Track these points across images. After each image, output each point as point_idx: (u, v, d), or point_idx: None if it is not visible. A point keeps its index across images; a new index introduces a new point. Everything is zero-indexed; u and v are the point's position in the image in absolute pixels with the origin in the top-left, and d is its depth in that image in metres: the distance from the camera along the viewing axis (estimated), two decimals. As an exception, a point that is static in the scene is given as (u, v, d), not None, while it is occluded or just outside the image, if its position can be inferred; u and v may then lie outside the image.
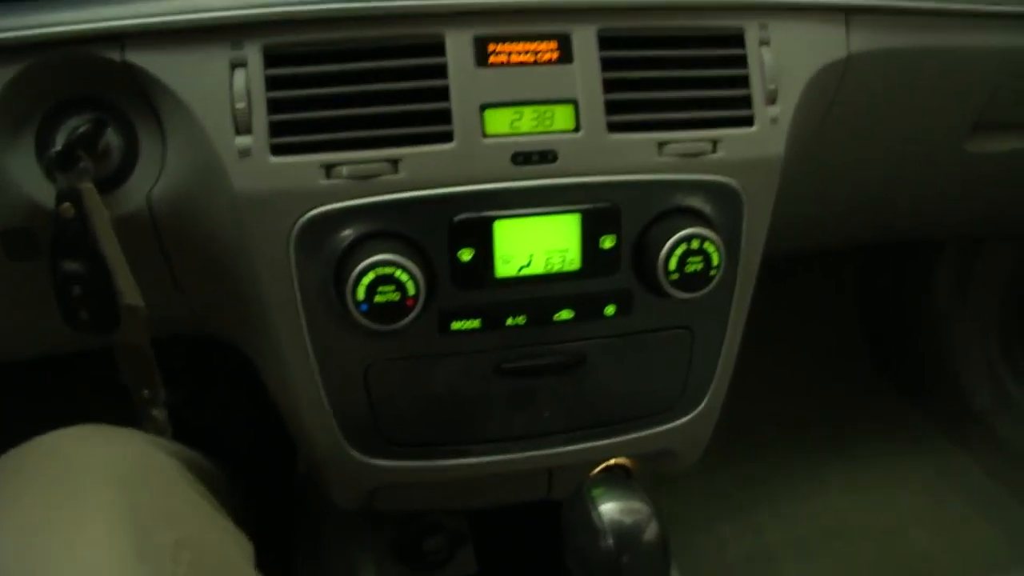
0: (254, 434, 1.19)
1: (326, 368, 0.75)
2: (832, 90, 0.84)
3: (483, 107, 0.71)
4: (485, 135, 0.71)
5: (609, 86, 0.73)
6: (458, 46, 0.70)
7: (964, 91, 0.94)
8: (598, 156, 0.73)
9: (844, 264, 1.71)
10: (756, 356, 1.09)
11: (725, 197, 0.78)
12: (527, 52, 0.72)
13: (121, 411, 0.73)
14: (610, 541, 0.65)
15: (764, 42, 0.78)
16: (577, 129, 0.73)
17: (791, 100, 0.79)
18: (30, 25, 0.65)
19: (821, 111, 0.85)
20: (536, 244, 0.74)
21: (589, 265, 0.75)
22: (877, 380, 1.70)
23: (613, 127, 0.73)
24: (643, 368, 0.83)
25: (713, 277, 0.75)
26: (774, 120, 0.78)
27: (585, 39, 0.73)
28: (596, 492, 0.68)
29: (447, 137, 0.70)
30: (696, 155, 0.76)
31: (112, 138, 0.69)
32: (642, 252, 0.76)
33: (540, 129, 0.72)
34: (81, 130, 0.66)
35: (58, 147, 0.67)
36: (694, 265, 0.74)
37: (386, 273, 0.68)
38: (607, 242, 0.75)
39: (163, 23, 0.66)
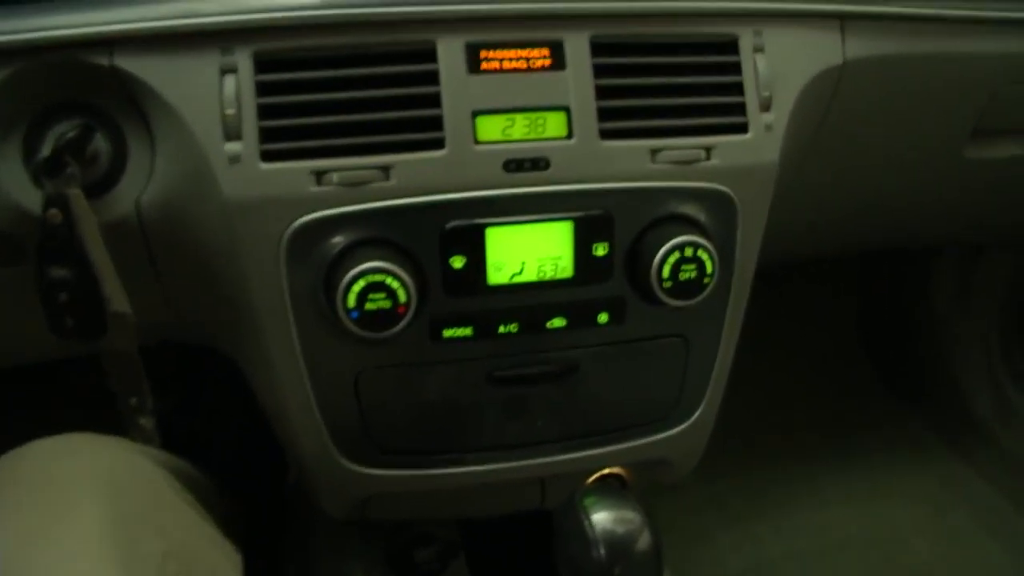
0: (243, 443, 1.19)
1: (316, 376, 0.76)
2: (827, 97, 0.85)
3: (475, 114, 0.72)
4: (477, 142, 0.72)
5: (602, 93, 0.74)
6: (450, 53, 0.71)
7: (962, 97, 0.95)
8: (591, 163, 0.74)
9: (842, 271, 1.71)
10: (754, 364, 1.09)
11: (719, 204, 0.78)
12: (519, 59, 0.73)
13: (108, 419, 0.74)
14: (602, 551, 0.65)
15: (758, 49, 0.78)
16: (569, 136, 0.73)
17: (786, 107, 0.80)
18: (17, 29, 0.65)
19: (816, 118, 0.86)
20: (528, 252, 0.74)
21: (582, 273, 0.76)
22: (877, 389, 1.70)
23: (606, 134, 0.74)
24: (637, 376, 0.83)
25: (707, 285, 0.76)
26: (768, 127, 0.79)
27: (578, 46, 0.73)
28: (588, 501, 0.68)
29: (439, 144, 0.71)
30: (690, 162, 0.76)
31: (100, 143, 0.70)
32: (635, 260, 0.76)
33: (532, 136, 0.73)
34: (69, 136, 0.67)
35: (45, 153, 0.67)
36: (688, 273, 0.75)
37: (377, 280, 0.69)
38: (600, 250, 0.76)
39: (152, 28, 0.67)
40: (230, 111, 0.68)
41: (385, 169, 0.70)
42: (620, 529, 0.66)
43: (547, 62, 0.73)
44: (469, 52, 0.72)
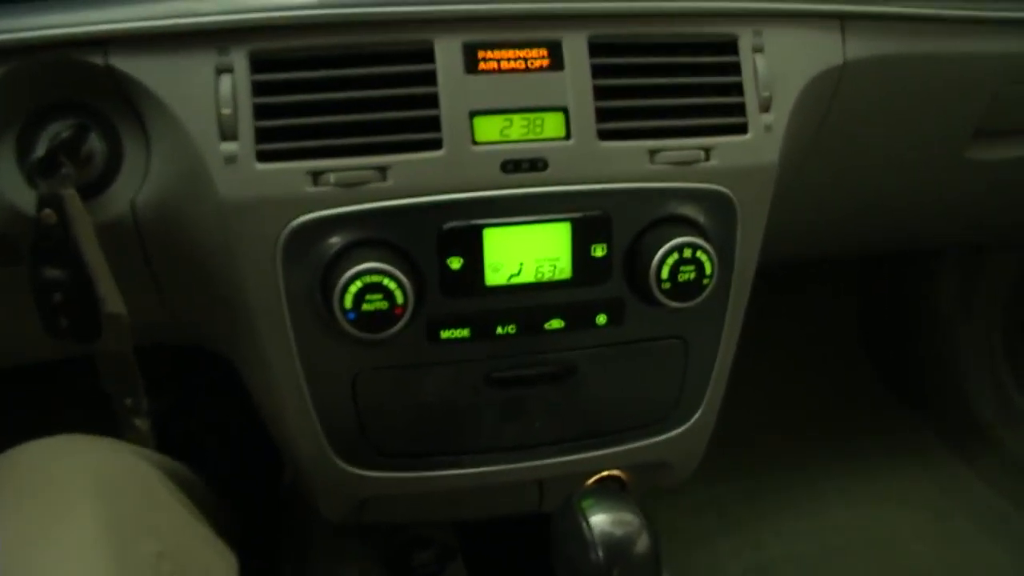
0: (239, 444, 1.19)
1: (313, 377, 0.76)
2: (828, 97, 0.85)
3: (472, 114, 0.72)
4: (475, 142, 0.72)
5: (600, 93, 0.74)
6: (447, 53, 0.71)
7: (963, 98, 0.95)
8: (589, 164, 0.74)
9: (843, 272, 1.71)
10: (754, 367, 1.09)
11: (718, 205, 0.79)
12: (517, 59, 0.73)
13: (108, 420, 0.74)
14: (600, 553, 0.65)
15: (758, 49, 0.79)
16: (568, 137, 0.74)
17: (786, 107, 0.80)
18: (11, 28, 0.66)
19: (817, 118, 0.86)
20: (526, 252, 0.75)
21: (580, 274, 0.76)
22: (878, 391, 1.70)
23: (604, 135, 0.74)
24: (636, 378, 0.83)
25: (706, 286, 0.76)
26: (768, 128, 0.79)
27: (576, 46, 0.74)
28: (586, 503, 0.68)
29: (436, 144, 0.71)
30: (689, 163, 0.77)
31: (95, 143, 0.70)
32: (634, 261, 0.77)
33: (530, 137, 0.73)
34: (63, 135, 0.67)
35: (40, 153, 0.67)
36: (687, 274, 0.75)
37: (374, 281, 0.69)
38: (598, 251, 0.76)
39: (148, 28, 0.67)
40: (226, 111, 0.68)
41: (382, 170, 0.71)
42: (618, 531, 0.66)
43: (545, 62, 0.73)
44: (467, 52, 0.72)
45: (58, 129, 0.68)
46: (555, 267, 0.75)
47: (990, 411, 1.56)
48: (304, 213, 0.70)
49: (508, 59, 0.73)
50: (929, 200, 1.10)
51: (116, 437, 0.73)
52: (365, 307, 0.69)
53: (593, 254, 0.76)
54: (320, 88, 0.70)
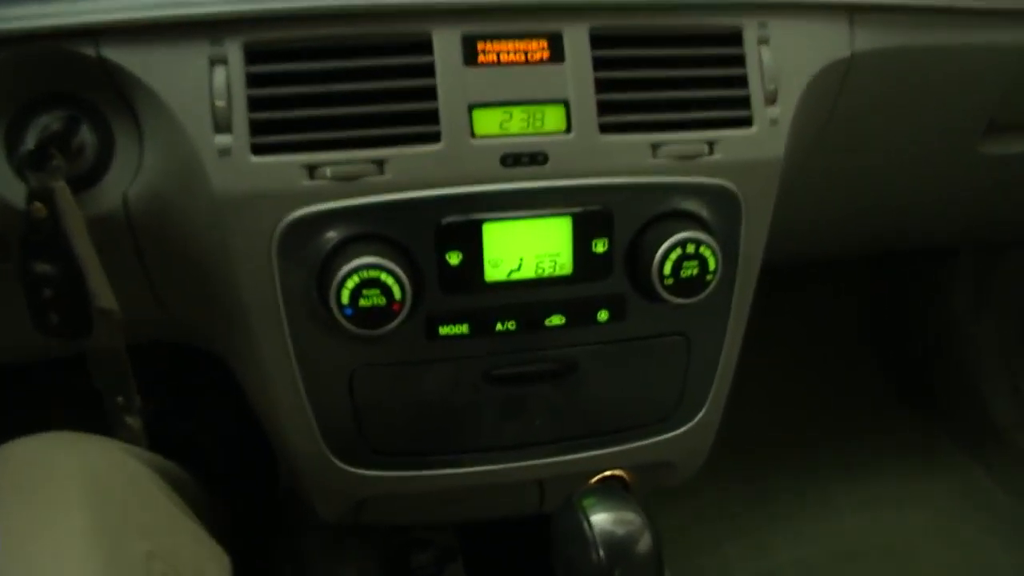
0: (234, 444, 1.19)
1: (309, 374, 0.76)
2: (835, 90, 0.85)
3: (472, 107, 0.72)
4: (474, 136, 0.72)
5: (601, 86, 0.74)
6: (446, 44, 0.72)
7: (975, 91, 0.95)
8: (590, 158, 0.74)
9: (854, 271, 1.71)
10: (763, 368, 1.09)
11: (722, 200, 0.79)
12: (517, 51, 0.73)
13: (94, 420, 0.74)
14: (601, 553, 0.65)
15: (763, 41, 0.79)
16: (568, 130, 0.74)
17: (792, 100, 0.80)
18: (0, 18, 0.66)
19: (824, 112, 0.86)
20: (526, 248, 0.75)
21: (581, 269, 0.76)
22: (889, 392, 1.70)
23: (605, 128, 0.74)
24: (638, 376, 0.84)
25: (710, 282, 0.76)
26: (774, 121, 0.79)
27: (577, 38, 0.74)
28: (587, 502, 0.68)
29: (434, 138, 0.72)
30: (692, 157, 0.77)
31: (86, 136, 0.70)
32: (636, 256, 0.77)
33: (530, 130, 0.73)
34: (54, 128, 0.68)
35: (30, 145, 0.68)
36: (690, 270, 0.75)
37: (371, 277, 0.69)
38: (599, 246, 0.76)
39: (140, 18, 0.67)
40: (220, 103, 0.68)
41: (380, 163, 0.71)
42: (620, 530, 0.66)
43: (545, 54, 0.73)
44: (466, 44, 0.72)
45: (48, 121, 0.69)
46: (555, 263, 0.76)
47: (1006, 413, 1.55)
48: (300, 207, 0.70)
49: (508, 51, 0.73)
50: (940, 197, 1.10)
51: (108, 436, 0.73)
52: (362, 303, 0.69)
53: (594, 249, 0.76)
54: (316, 80, 0.70)
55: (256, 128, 0.69)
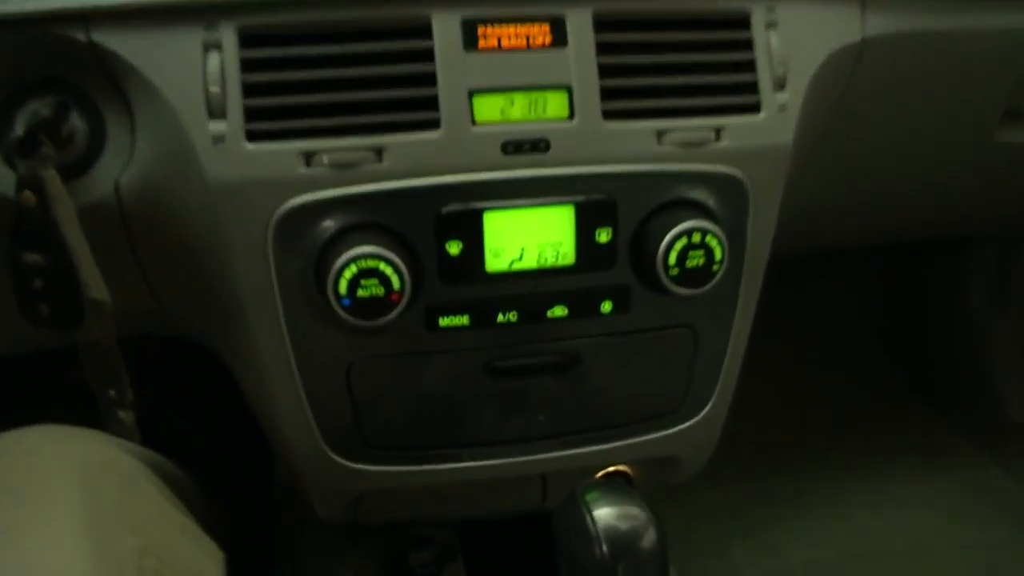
0: (231, 443, 1.19)
1: (305, 367, 0.76)
2: (846, 76, 0.85)
3: (472, 93, 0.72)
4: (474, 122, 0.72)
5: (605, 71, 0.74)
6: (446, 29, 0.71)
7: (989, 77, 0.94)
8: (593, 145, 0.74)
9: (866, 264, 1.70)
10: (772, 364, 1.09)
11: (729, 189, 0.79)
12: (518, 36, 0.73)
13: (87, 415, 0.74)
14: (605, 548, 0.65)
15: (772, 25, 0.78)
16: (571, 117, 0.74)
17: (801, 86, 0.80)
18: None
19: (833, 98, 0.86)
20: (528, 237, 0.75)
21: (584, 259, 0.76)
22: (903, 390, 1.69)
23: (609, 115, 0.74)
24: (642, 369, 0.83)
25: (716, 273, 0.76)
26: (783, 107, 0.79)
27: (580, 22, 0.73)
28: (590, 496, 0.68)
29: (434, 124, 0.71)
30: (698, 144, 0.76)
31: (77, 122, 0.70)
32: (640, 246, 0.76)
33: (532, 117, 0.73)
34: (43, 114, 0.67)
35: (18, 132, 0.68)
36: (695, 260, 0.75)
37: (369, 266, 0.69)
38: (603, 235, 0.76)
39: (132, 2, 0.67)
40: (214, 89, 0.68)
41: (378, 150, 0.71)
42: (624, 525, 0.66)
43: (548, 39, 0.73)
44: (466, 28, 0.72)
45: (37, 107, 0.69)
46: (558, 252, 0.75)
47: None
48: (296, 195, 0.70)
49: (509, 36, 0.73)
50: (956, 186, 1.09)
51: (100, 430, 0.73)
52: (360, 293, 0.69)
53: (597, 239, 0.76)
54: (312, 65, 0.70)
55: (251, 114, 0.69)
